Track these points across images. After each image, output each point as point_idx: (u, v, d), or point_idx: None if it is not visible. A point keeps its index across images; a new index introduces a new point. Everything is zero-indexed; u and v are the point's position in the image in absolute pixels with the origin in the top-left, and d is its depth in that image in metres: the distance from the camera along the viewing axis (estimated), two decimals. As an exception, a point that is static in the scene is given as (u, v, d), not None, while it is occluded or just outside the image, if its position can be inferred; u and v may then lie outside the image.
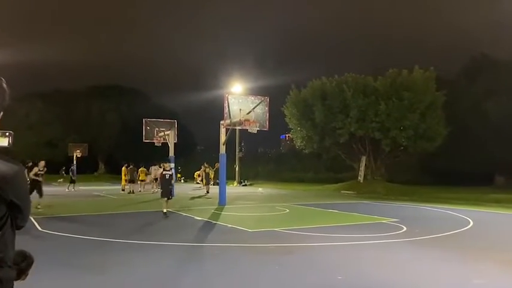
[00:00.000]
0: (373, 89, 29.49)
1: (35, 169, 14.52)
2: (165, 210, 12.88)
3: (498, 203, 19.47)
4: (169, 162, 15.64)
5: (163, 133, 23.91)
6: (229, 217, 13.23)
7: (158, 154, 27.30)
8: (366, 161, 32.05)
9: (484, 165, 33.65)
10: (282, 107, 33.87)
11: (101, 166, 56.47)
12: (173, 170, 23.02)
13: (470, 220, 12.77)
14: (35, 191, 13.67)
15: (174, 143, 23.06)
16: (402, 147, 30.79)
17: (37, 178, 14.17)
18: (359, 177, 32.02)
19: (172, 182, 14.26)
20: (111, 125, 52.29)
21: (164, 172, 13.54)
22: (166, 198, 13.07)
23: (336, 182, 34.34)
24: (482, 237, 10.04)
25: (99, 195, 23.38)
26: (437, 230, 10.58)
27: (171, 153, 22.62)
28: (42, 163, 15.01)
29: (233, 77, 40.93)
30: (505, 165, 34.31)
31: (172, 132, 23.34)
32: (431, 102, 28.99)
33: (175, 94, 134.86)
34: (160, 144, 24.47)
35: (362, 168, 32.00)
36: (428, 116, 28.88)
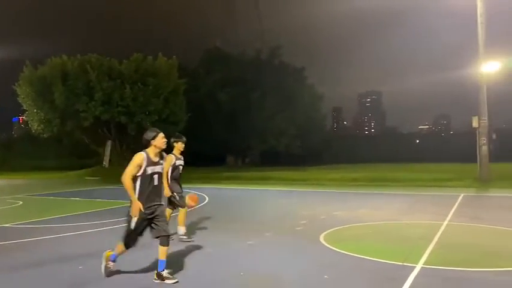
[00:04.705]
0: (118, 73, 29.13)
1: None
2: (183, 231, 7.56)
3: (229, 179, 22.54)
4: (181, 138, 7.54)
5: None
6: None
7: None
8: (111, 145, 31.53)
9: (218, 147, 38.34)
10: (14, 85, 29.68)
11: None
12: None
13: (206, 196, 14.37)
14: None
15: None
16: (147, 132, 31.73)
17: None
18: (104, 163, 31.29)
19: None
20: None
21: (177, 162, 7.38)
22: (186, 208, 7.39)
23: (80, 168, 32.59)
24: (216, 211, 11.43)
25: None
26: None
27: None
28: None
29: None
30: (234, 147, 39.98)
31: None
32: (174, 88, 30.80)
33: None
34: None
35: (107, 153, 31.37)
36: (171, 101, 30.59)
